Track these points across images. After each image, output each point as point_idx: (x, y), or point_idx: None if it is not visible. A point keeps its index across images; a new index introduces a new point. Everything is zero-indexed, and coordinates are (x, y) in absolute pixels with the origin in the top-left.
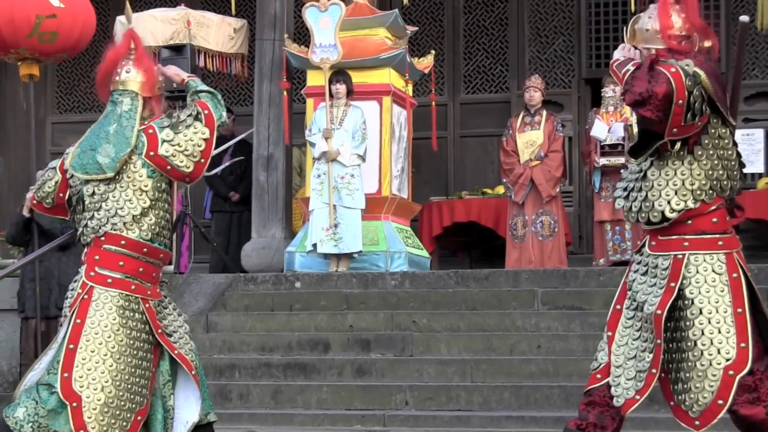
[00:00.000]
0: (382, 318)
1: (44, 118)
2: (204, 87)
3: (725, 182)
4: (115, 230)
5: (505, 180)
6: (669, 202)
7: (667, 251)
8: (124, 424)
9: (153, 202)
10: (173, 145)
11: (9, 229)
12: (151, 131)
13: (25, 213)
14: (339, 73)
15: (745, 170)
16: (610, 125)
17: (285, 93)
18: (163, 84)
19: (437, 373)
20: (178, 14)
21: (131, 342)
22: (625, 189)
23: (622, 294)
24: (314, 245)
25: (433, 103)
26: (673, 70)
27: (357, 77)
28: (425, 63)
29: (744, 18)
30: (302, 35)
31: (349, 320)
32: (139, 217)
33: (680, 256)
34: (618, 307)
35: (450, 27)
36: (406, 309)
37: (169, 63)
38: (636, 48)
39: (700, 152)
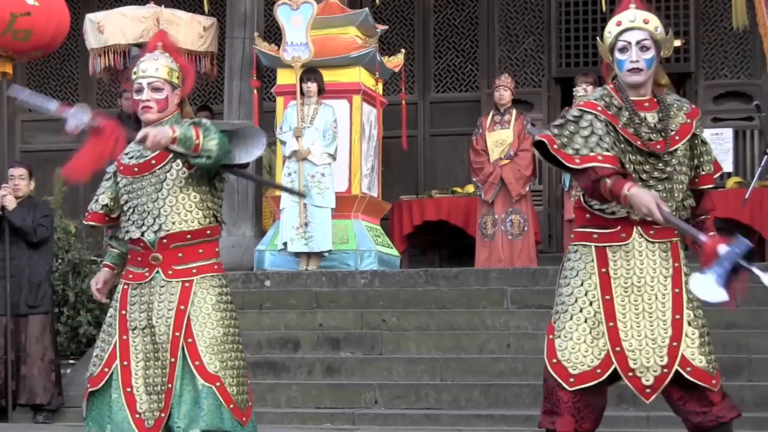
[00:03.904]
0: (351, 317)
1: (13, 116)
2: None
3: None
4: None
5: (474, 179)
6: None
7: None
8: None
9: None
10: None
11: None
12: None
13: None
14: (310, 72)
15: None
16: None
17: (255, 91)
18: None
19: (406, 372)
20: (147, 12)
21: None
22: None
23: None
24: (284, 244)
25: (404, 101)
26: None
27: (327, 76)
28: (395, 62)
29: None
30: (272, 33)
31: (319, 319)
32: None
33: None
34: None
35: (420, 26)
36: (376, 308)
37: None
38: None
39: None
